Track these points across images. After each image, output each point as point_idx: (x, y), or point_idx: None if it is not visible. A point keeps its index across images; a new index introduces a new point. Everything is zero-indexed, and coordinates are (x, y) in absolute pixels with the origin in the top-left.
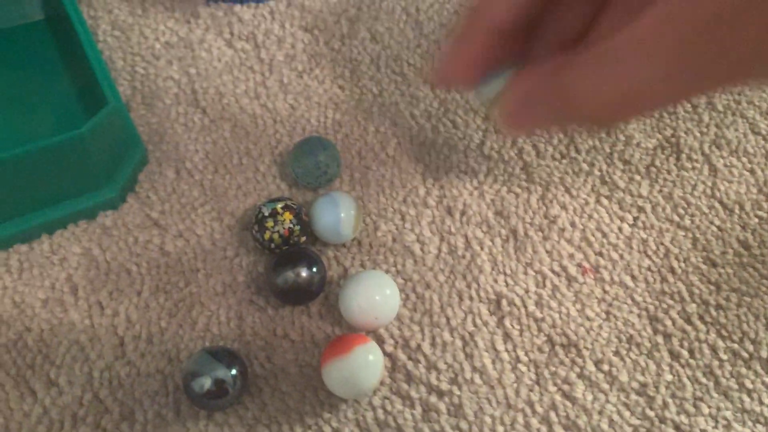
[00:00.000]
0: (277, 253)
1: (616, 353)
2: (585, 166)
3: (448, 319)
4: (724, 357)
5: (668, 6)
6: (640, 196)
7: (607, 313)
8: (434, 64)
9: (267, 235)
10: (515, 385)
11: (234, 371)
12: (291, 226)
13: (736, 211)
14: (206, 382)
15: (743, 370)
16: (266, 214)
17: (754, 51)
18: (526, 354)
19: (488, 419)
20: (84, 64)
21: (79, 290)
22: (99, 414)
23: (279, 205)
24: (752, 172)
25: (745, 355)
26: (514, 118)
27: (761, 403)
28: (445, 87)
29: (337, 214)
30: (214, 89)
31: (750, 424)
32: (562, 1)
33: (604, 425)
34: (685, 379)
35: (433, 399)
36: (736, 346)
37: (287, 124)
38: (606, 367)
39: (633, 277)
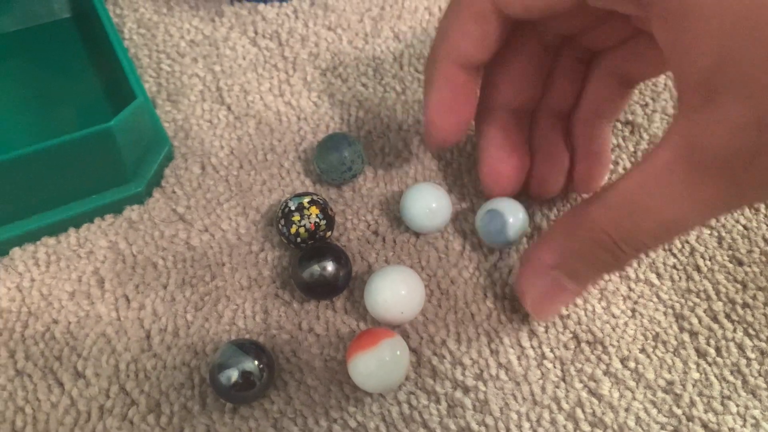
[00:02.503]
0: (303, 248)
1: (642, 351)
2: (610, 165)
3: (472, 315)
4: (752, 355)
5: (684, 139)
6: None
7: (633, 310)
8: (423, 131)
9: (293, 229)
10: (541, 381)
11: (261, 364)
12: (317, 220)
13: (762, 210)
14: (233, 375)
15: None
16: (293, 208)
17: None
18: (552, 351)
19: (514, 415)
20: (111, 61)
21: (105, 283)
22: (125, 406)
23: (305, 200)
24: None
25: None
26: (547, 301)
27: None
28: (440, 143)
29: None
30: (238, 86)
31: None
32: (549, 82)
33: (631, 422)
34: (712, 377)
35: (459, 394)
36: (763, 344)
37: (311, 121)
38: (632, 365)
39: (658, 275)
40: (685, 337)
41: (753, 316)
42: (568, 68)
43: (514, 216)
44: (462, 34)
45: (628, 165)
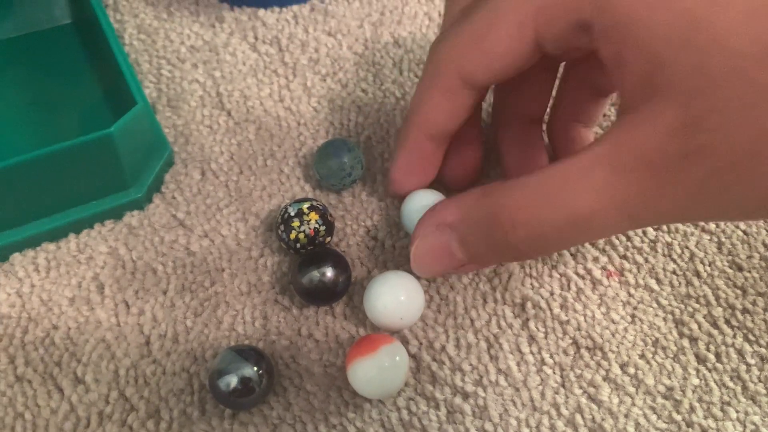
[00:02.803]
0: (302, 253)
1: (642, 356)
2: None
3: (472, 320)
4: (752, 361)
5: (614, 139)
6: None
7: (633, 316)
8: (386, 178)
9: (293, 235)
10: (540, 387)
11: (260, 369)
12: (317, 226)
13: None
14: (232, 381)
15: None
16: (292, 214)
17: (690, 198)
18: (552, 356)
19: (513, 421)
20: (111, 66)
21: (105, 289)
22: (125, 412)
23: (305, 206)
24: None
25: None
26: (430, 256)
27: None
28: (400, 196)
29: None
30: (238, 92)
31: None
32: (515, 85)
33: (631, 428)
34: (712, 383)
35: (458, 400)
36: (763, 350)
37: (311, 126)
38: (632, 371)
39: (658, 281)
40: (685, 342)
41: (753, 321)
42: (540, 77)
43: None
44: (433, 107)
45: None
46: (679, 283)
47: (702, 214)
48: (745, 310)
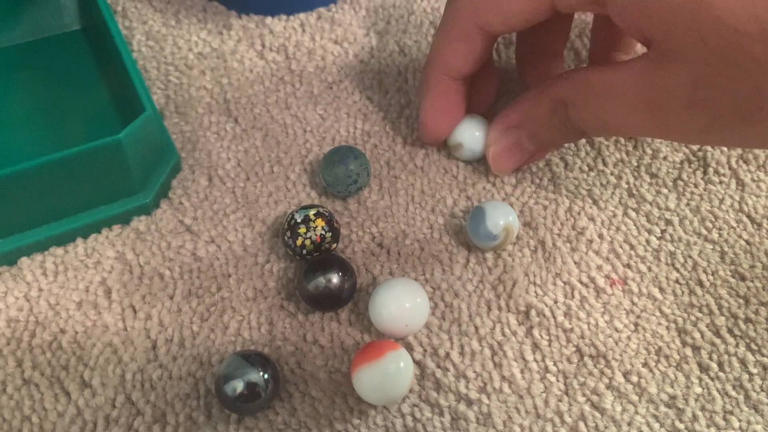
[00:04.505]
0: (308, 259)
1: (645, 365)
2: (612, 179)
3: (476, 328)
4: (754, 370)
5: (646, 75)
6: (667, 209)
7: (636, 324)
8: (417, 127)
9: (299, 241)
10: (544, 395)
11: (266, 375)
12: (323, 232)
13: (765, 225)
14: (239, 386)
15: None
16: (299, 220)
17: (706, 124)
18: (555, 364)
19: (517, 428)
20: (120, 73)
21: (112, 293)
22: (131, 416)
23: (311, 212)
24: None
25: None
26: (505, 155)
27: None
28: (433, 141)
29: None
30: (245, 99)
31: None
32: (540, 27)
33: None
34: (714, 392)
35: (462, 407)
36: (766, 359)
37: (317, 133)
38: (635, 379)
39: (661, 290)
40: (688, 351)
41: (755, 331)
42: None
43: (495, 210)
44: (451, 51)
45: (632, 180)
46: (682, 292)
47: (707, 143)
48: (747, 320)
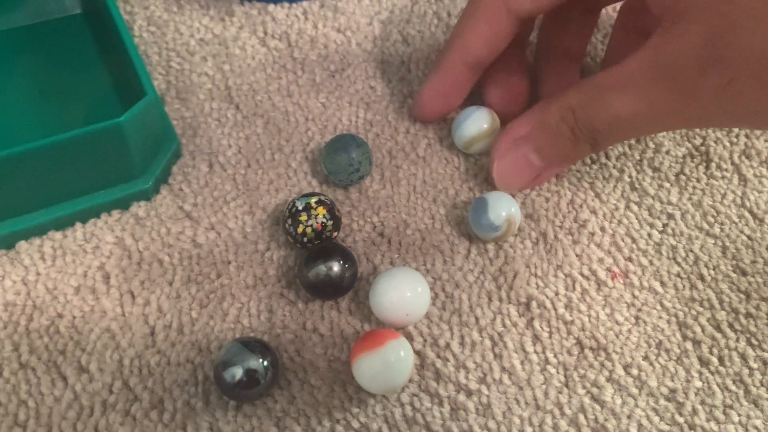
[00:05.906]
0: (309, 247)
1: (645, 358)
2: (615, 172)
3: (477, 318)
4: (754, 365)
5: (653, 52)
6: (669, 203)
7: (637, 318)
8: (414, 98)
9: (300, 229)
10: (544, 386)
11: (266, 362)
12: (324, 220)
13: (766, 220)
14: (238, 372)
15: None
16: (300, 208)
17: (717, 108)
18: (555, 356)
19: (517, 420)
20: (121, 57)
21: (111, 279)
22: (129, 401)
23: (313, 200)
24: None
25: None
26: (512, 170)
27: None
28: (424, 118)
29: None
30: (247, 86)
31: None
32: (559, 23)
33: (633, 429)
34: (714, 386)
35: (462, 398)
36: (766, 354)
37: (319, 122)
38: (635, 372)
39: (662, 283)
40: (688, 345)
41: (756, 326)
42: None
43: (497, 202)
44: (474, 33)
45: (634, 173)
46: (684, 286)
47: (723, 120)
48: (748, 315)
